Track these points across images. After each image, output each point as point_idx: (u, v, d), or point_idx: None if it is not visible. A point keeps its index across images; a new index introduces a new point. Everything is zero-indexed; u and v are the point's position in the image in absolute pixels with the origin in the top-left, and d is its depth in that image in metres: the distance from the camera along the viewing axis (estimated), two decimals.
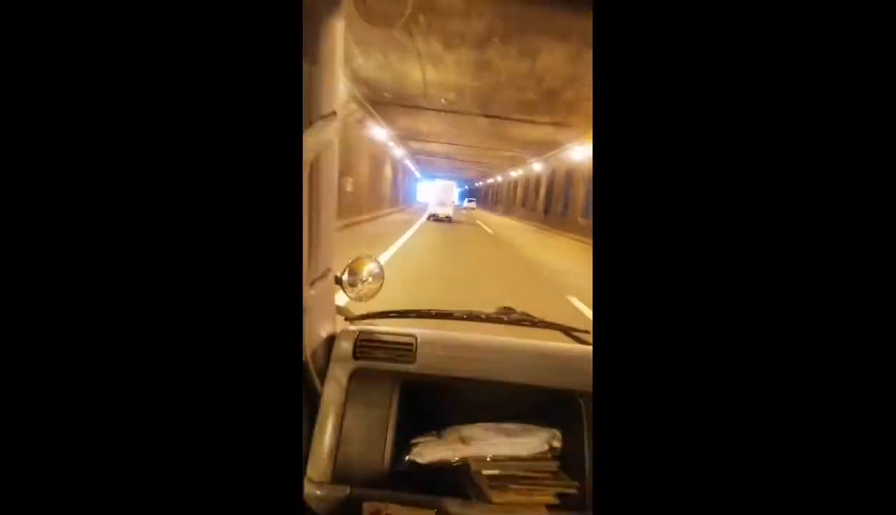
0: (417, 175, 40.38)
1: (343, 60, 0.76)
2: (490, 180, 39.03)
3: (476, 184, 48.89)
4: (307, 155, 0.72)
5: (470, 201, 45.42)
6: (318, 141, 0.73)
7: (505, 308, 1.09)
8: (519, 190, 30.18)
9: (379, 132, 16.63)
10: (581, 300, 5.15)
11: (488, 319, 1.04)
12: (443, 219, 18.82)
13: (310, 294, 0.81)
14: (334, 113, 0.75)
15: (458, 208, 24.15)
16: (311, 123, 0.72)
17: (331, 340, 0.90)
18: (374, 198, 18.46)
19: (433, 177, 42.56)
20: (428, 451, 0.83)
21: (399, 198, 28.13)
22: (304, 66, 0.68)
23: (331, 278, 0.87)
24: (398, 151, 23.56)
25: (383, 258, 6.62)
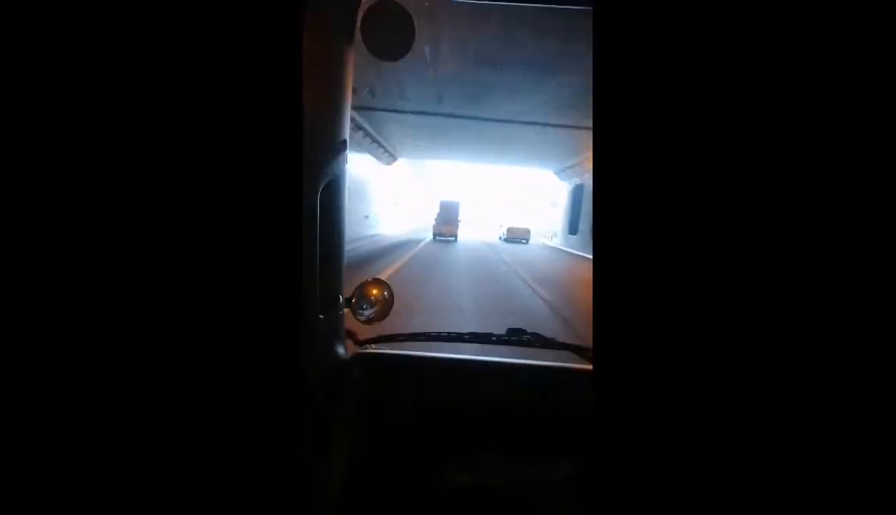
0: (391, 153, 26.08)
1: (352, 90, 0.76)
2: None
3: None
4: (321, 182, 0.71)
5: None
6: (331, 169, 0.73)
7: (515, 329, 1.07)
8: None
9: None
10: None
11: (499, 341, 1.04)
12: (449, 238, 18.63)
13: (321, 319, 0.79)
14: (345, 141, 0.76)
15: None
16: (324, 152, 0.72)
17: (342, 365, 0.89)
18: None
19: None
20: (442, 477, 0.82)
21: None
22: (319, 96, 0.69)
23: (341, 303, 0.87)
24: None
25: None
